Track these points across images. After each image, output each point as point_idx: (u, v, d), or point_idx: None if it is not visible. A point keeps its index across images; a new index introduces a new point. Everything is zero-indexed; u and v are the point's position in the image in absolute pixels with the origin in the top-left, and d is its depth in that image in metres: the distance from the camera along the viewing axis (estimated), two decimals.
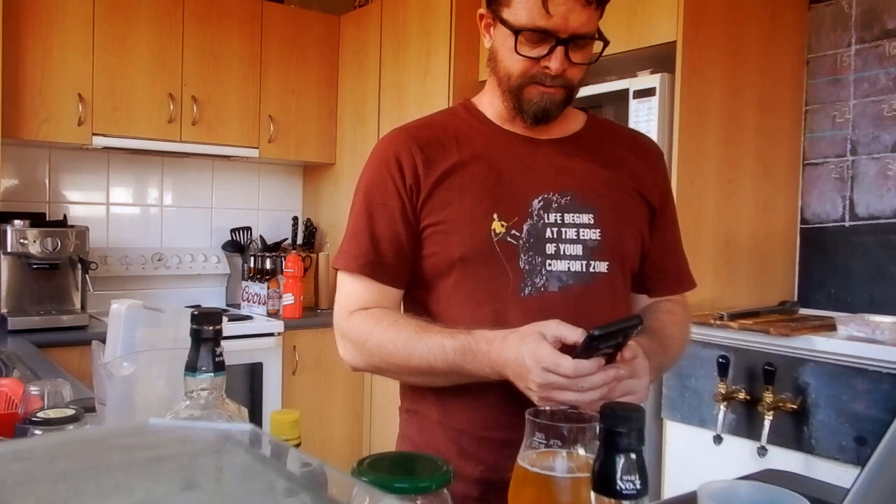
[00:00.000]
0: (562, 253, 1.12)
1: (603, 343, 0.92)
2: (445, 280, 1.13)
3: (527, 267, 1.10)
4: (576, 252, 1.12)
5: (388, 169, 1.15)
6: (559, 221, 1.12)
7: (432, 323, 1.10)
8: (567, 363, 0.91)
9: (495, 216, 1.11)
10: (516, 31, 1.07)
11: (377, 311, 1.14)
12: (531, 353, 0.93)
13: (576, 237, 1.13)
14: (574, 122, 1.22)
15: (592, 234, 1.13)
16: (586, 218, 1.13)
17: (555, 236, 1.12)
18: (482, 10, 1.15)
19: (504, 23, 1.09)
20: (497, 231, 1.10)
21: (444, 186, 1.13)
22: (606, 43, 1.10)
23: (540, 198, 1.13)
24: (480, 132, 1.18)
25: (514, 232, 1.11)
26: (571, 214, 1.13)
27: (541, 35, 1.06)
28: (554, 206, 1.13)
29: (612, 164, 1.20)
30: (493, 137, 1.18)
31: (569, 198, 1.14)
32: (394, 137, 1.18)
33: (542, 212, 1.12)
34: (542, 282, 1.11)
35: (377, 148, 1.20)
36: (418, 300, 1.19)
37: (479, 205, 1.11)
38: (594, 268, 1.13)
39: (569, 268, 1.12)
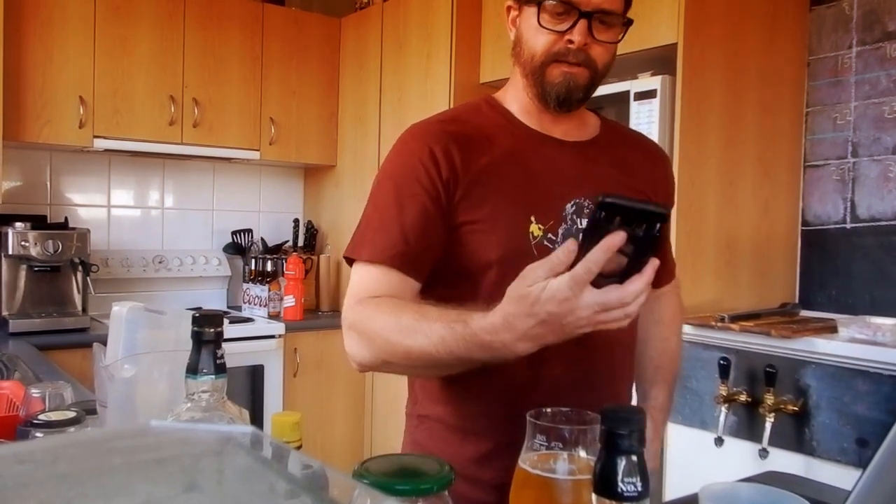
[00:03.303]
0: None
1: (613, 222, 0.82)
2: (479, 280, 1.10)
3: None
4: None
5: (422, 160, 1.10)
6: None
7: (432, 306, 1.03)
8: (591, 293, 0.84)
9: (532, 219, 1.09)
10: (539, 3, 1.07)
11: (384, 297, 1.07)
12: (558, 303, 0.85)
13: None
14: (591, 123, 1.22)
15: None
16: None
17: None
18: (509, 2, 1.16)
19: (528, 1, 1.09)
20: (535, 234, 1.09)
21: (481, 184, 1.10)
22: (630, 23, 1.10)
23: (572, 202, 1.12)
24: (508, 131, 1.17)
25: (550, 235, 1.09)
26: None
27: (564, 7, 1.06)
28: (585, 211, 1.12)
29: (629, 170, 1.21)
30: (522, 137, 1.16)
31: None
32: (423, 129, 1.15)
33: (574, 216, 1.11)
34: None
35: (406, 138, 1.16)
36: (445, 300, 1.10)
37: (516, 206, 1.10)
38: None
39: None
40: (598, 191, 1.09)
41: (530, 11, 1.09)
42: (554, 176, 1.13)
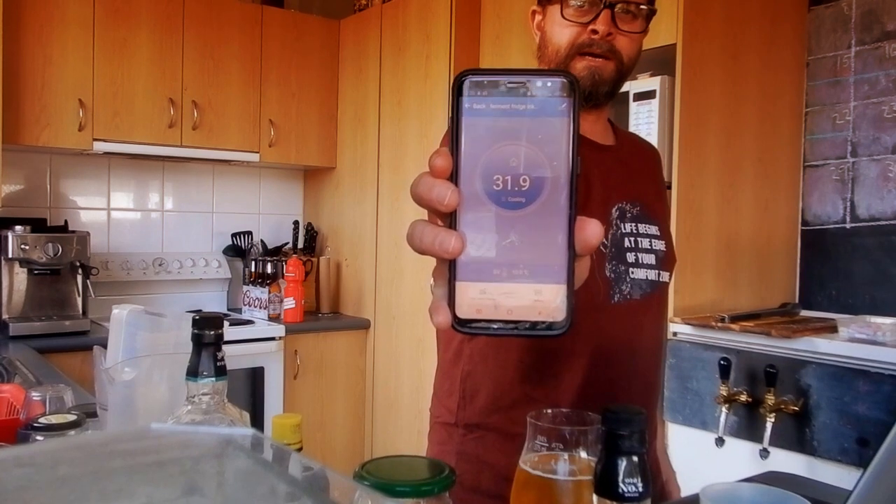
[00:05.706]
0: (640, 262, 1.12)
1: None
2: None
3: (612, 275, 1.09)
4: (651, 262, 1.13)
5: None
6: (634, 231, 1.12)
7: None
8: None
9: None
10: None
11: None
12: None
13: (649, 247, 1.13)
14: (609, 127, 1.22)
15: (660, 246, 1.15)
16: (654, 230, 1.15)
17: (632, 246, 1.12)
18: (534, 7, 1.16)
19: (551, 0, 1.10)
20: None
21: None
22: (654, 12, 1.10)
23: (616, 207, 1.12)
24: None
25: (604, 241, 1.09)
26: (644, 225, 1.14)
27: (587, 0, 1.06)
28: (628, 216, 1.13)
29: (648, 174, 1.23)
30: None
31: (638, 209, 1.14)
32: None
33: (618, 221, 1.12)
34: (627, 289, 1.10)
35: None
36: None
37: None
38: (661, 277, 1.15)
39: (646, 276, 1.12)
40: (635, 196, 1.13)
41: (554, 8, 1.10)
42: (599, 180, 1.12)
